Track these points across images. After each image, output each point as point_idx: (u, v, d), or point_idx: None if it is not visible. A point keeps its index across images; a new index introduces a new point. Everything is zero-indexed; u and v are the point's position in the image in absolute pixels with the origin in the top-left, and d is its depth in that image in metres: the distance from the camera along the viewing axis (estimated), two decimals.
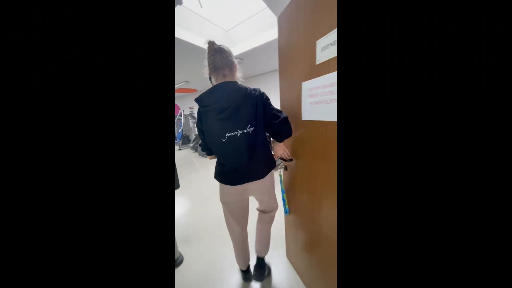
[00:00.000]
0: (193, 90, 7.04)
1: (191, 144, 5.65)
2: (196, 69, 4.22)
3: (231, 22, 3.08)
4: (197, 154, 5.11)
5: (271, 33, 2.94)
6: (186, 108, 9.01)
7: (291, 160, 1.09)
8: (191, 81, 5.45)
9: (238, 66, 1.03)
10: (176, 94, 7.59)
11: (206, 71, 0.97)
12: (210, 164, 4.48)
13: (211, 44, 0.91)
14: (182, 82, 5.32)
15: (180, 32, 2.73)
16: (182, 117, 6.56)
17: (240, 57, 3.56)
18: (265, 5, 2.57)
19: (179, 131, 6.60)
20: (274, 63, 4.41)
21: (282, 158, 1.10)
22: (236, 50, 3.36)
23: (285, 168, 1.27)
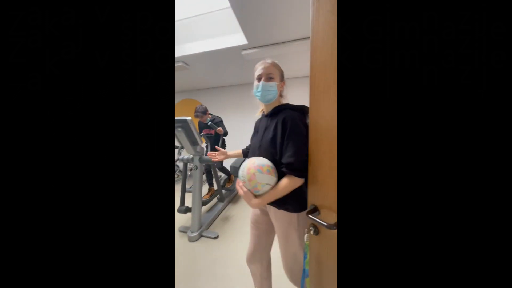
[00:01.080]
0: None
1: None
2: None
3: (180, 12, 2.30)
4: None
5: (229, 40, 2.24)
6: None
7: (333, 227, 0.58)
8: None
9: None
10: None
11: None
12: None
13: None
14: None
15: None
16: None
17: (185, 60, 2.73)
18: (223, 5, 2.02)
19: None
20: (229, 77, 3.57)
21: (310, 214, 0.65)
22: (180, 50, 2.56)
23: (316, 231, 0.69)
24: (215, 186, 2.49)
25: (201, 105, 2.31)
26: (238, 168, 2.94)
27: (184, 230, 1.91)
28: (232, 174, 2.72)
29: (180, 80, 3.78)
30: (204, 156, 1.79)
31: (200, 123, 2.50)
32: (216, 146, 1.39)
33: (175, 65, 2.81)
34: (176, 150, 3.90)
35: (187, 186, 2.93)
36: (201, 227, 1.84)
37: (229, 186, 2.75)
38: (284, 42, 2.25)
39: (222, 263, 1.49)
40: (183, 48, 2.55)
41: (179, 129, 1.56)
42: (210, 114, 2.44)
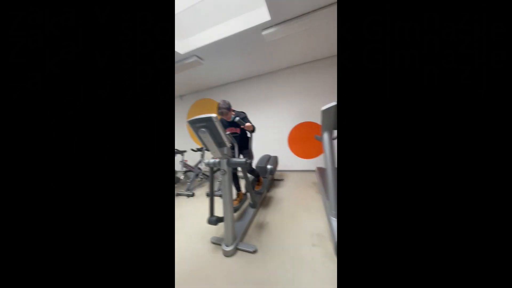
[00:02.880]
0: None
1: None
2: None
3: (182, 2, 2.02)
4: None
5: (247, 20, 1.88)
6: None
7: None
8: None
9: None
10: None
11: None
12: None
13: None
14: None
15: None
16: None
17: (198, 54, 2.40)
18: None
19: None
20: (248, 68, 3.05)
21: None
22: (192, 43, 2.25)
23: None
24: (243, 190, 2.27)
25: (224, 100, 1.96)
26: (265, 167, 2.59)
27: (217, 242, 1.65)
28: (260, 176, 2.53)
29: (195, 78, 3.34)
30: (233, 159, 1.53)
31: (222, 121, 2.12)
32: None
33: (188, 61, 2.50)
34: (192, 152, 3.73)
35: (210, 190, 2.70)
36: (235, 238, 1.57)
37: (259, 188, 2.45)
38: (310, 13, 1.88)
39: (266, 284, 1.22)
40: (195, 40, 2.21)
41: (203, 129, 1.30)
42: (233, 110, 2.10)
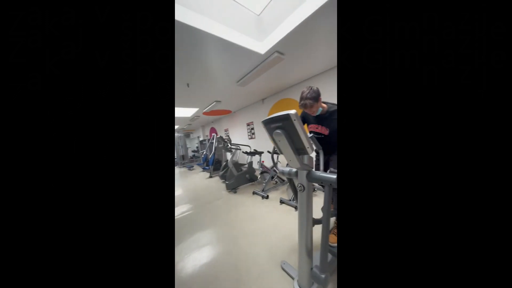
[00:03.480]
0: (226, 112, 5.48)
1: (221, 172, 4.20)
2: (223, 79, 2.63)
3: (262, 1, 1.75)
4: (224, 185, 3.43)
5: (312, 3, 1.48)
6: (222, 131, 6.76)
7: None
8: (221, 100, 3.91)
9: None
10: (210, 117, 6.01)
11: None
12: (240, 201, 2.74)
13: None
14: (213, 102, 3.96)
15: (194, 18, 1.47)
16: (215, 141, 5.03)
17: (279, 50, 2.08)
18: None
19: (210, 156, 5.27)
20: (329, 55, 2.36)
21: None
22: (271, 40, 1.97)
23: None
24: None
25: (311, 87, 1.27)
26: None
27: (288, 272, 1.21)
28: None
29: (275, 78, 2.93)
30: (316, 172, 1.00)
31: (304, 117, 1.49)
32: None
33: (270, 59, 2.17)
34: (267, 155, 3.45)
35: (287, 198, 2.40)
36: (312, 283, 1.06)
37: (335, 242, 1.42)
38: None
39: None
40: (275, 35, 1.89)
41: (278, 131, 0.91)
42: (325, 102, 1.39)
